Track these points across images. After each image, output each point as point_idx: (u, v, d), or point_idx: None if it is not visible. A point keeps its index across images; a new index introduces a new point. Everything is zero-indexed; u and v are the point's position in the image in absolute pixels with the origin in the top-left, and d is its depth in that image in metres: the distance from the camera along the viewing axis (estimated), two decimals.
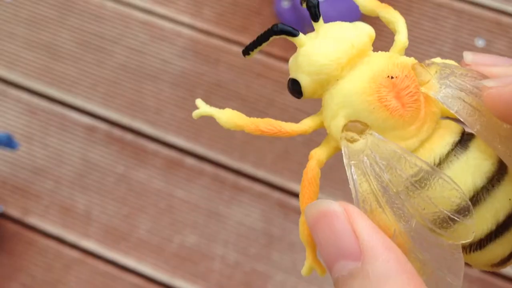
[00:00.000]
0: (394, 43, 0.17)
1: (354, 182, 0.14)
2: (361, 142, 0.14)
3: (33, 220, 0.65)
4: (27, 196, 0.66)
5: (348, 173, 0.15)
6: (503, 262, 0.15)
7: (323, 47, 0.15)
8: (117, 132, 0.68)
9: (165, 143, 0.66)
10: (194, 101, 0.67)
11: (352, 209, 0.13)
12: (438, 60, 0.16)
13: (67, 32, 0.72)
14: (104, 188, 0.66)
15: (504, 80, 0.13)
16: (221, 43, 0.70)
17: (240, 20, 0.71)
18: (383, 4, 0.17)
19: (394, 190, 0.14)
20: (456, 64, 0.15)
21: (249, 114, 0.17)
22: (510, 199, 0.14)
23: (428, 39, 0.69)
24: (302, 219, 0.15)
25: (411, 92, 0.14)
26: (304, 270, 0.16)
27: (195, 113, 0.17)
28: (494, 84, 0.13)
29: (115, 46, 0.71)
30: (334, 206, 0.13)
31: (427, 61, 0.15)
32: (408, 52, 0.17)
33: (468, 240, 0.14)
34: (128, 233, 0.64)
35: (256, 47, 0.17)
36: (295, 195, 0.64)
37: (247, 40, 0.72)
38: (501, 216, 0.14)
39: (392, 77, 0.14)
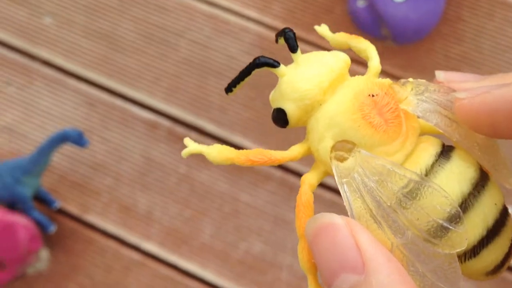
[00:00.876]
0: (368, 69, 0.17)
1: (348, 200, 0.15)
2: (350, 160, 0.15)
3: (92, 218, 0.64)
4: (86, 192, 0.65)
5: (341, 192, 0.15)
6: (497, 269, 0.15)
7: (305, 74, 0.16)
8: (179, 129, 0.66)
9: (231, 143, 0.64)
10: (261, 101, 0.64)
11: (354, 222, 0.14)
12: (410, 79, 0.17)
13: (129, 23, 0.69)
14: (166, 188, 0.64)
15: (474, 91, 0.14)
16: None
17: (310, 18, 0.68)
18: (353, 36, 0.18)
19: (388, 204, 0.14)
20: (427, 82, 0.16)
21: None
22: (495, 204, 0.15)
23: None
24: (300, 245, 0.16)
25: (391, 108, 0.15)
26: None
27: (184, 152, 0.18)
28: (464, 95, 0.14)
29: (179, 39, 0.68)
30: (336, 219, 0.14)
31: (401, 81, 0.16)
32: (492, 60, 0.16)
33: (463, 247, 0.14)
34: (191, 237, 0.63)
35: (238, 83, 0.18)
36: None
37: (317, 39, 0.69)
38: (490, 221, 0.15)
39: (373, 95, 0.15)
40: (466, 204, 0.15)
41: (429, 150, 0.15)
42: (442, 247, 0.14)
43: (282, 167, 0.63)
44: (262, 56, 0.17)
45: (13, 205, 0.59)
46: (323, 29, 0.19)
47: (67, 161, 0.65)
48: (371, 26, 0.65)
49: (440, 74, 0.16)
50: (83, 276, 0.62)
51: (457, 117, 0.15)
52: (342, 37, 0.18)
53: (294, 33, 0.17)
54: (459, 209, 0.14)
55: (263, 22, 0.69)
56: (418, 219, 0.14)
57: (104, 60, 0.68)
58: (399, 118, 0.15)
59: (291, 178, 0.63)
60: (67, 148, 0.65)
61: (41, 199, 0.62)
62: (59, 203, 0.63)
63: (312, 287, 0.16)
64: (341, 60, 0.17)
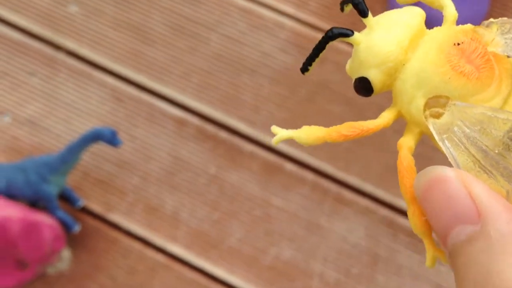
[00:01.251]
0: (445, 18, 0.17)
1: (453, 156, 0.14)
2: (447, 115, 0.14)
3: (116, 218, 0.62)
4: (110, 191, 0.62)
5: (444, 149, 0.15)
6: None
7: (382, 36, 0.16)
8: (210, 128, 0.64)
9: (263, 145, 0.62)
10: (296, 100, 0.61)
11: (465, 173, 0.13)
12: (493, 20, 0.16)
13: (159, 14, 0.67)
14: (194, 189, 0.62)
15: None
16: None
17: (348, 16, 0.66)
18: (415, 12, 0.17)
19: (496, 151, 0.14)
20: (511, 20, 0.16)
21: (355, 120, 0.17)
22: None
23: None
24: (410, 210, 0.15)
25: (480, 53, 0.15)
26: (428, 262, 0.15)
27: (275, 140, 0.17)
28: None
29: (211, 33, 0.66)
30: (447, 171, 0.13)
31: (485, 22, 0.16)
32: None
33: None
34: (219, 240, 0.60)
35: (314, 60, 0.17)
36: (404, 213, 0.60)
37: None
38: None
39: (458, 44, 0.15)
40: None
41: None
42: None
43: (315, 171, 0.61)
44: (335, 27, 0.16)
45: (35, 202, 0.57)
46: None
47: (92, 158, 0.63)
48: None
49: None
50: (105, 277, 0.60)
51: None
52: None
53: (362, 2, 0.16)
54: None
55: (299, 18, 0.66)
56: None
57: (133, 52, 0.66)
58: (490, 62, 0.15)
59: (324, 182, 0.61)
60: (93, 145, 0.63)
61: (65, 197, 0.60)
62: (82, 202, 0.61)
63: (429, 250, 0.15)
64: (417, 14, 0.16)
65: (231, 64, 0.65)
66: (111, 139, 0.53)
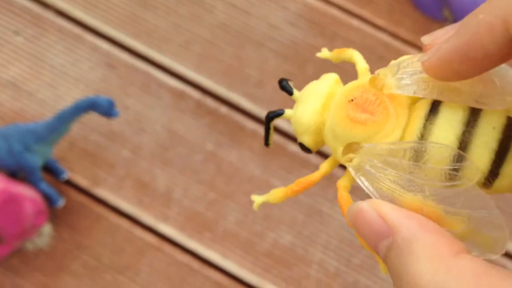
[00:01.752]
0: (358, 72, 0.20)
1: (368, 188, 0.18)
2: (357, 157, 0.18)
3: (103, 193, 0.57)
4: (98, 164, 0.58)
5: (361, 185, 0.18)
6: None
7: (301, 109, 0.19)
8: (209, 102, 0.60)
9: (263, 122, 0.58)
10: (303, 77, 0.58)
11: (375, 200, 0.17)
12: (392, 62, 0.19)
13: None
14: (190, 167, 0.58)
15: (431, 51, 0.17)
16: (340, 15, 0.61)
17: None
18: (341, 49, 0.21)
19: (405, 177, 0.17)
20: (400, 59, 0.19)
21: None
22: (494, 128, 0.17)
23: None
24: (356, 234, 0.18)
25: (372, 101, 0.18)
26: (382, 270, 0.18)
27: (255, 206, 0.21)
28: (426, 57, 0.17)
29: (216, 1, 0.62)
30: (361, 204, 0.17)
31: (376, 71, 0.19)
32: None
33: (478, 176, 0.17)
34: (213, 222, 0.57)
35: (268, 136, 0.21)
36: None
37: (370, 15, 0.64)
38: (493, 144, 0.17)
39: (352, 100, 0.18)
40: (464, 143, 0.17)
41: (419, 114, 0.18)
42: (462, 184, 0.17)
43: (319, 153, 0.58)
44: (270, 111, 0.20)
45: (17, 173, 0.53)
46: (323, 53, 0.22)
47: (79, 127, 0.58)
48: (431, 7, 0.59)
49: (425, 39, 0.18)
50: (89, 256, 0.56)
51: (429, 77, 0.18)
52: (336, 53, 0.21)
53: (286, 81, 0.20)
54: (457, 150, 0.17)
55: None
56: (426, 175, 0.17)
57: (131, 17, 0.62)
58: (382, 104, 0.18)
59: None
60: None
61: (48, 168, 0.55)
62: (67, 174, 0.57)
63: (379, 262, 0.18)
64: (328, 80, 0.20)
65: (236, 35, 0.61)
66: (108, 110, 0.48)
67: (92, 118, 0.58)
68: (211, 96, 0.60)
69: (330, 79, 0.20)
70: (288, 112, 0.20)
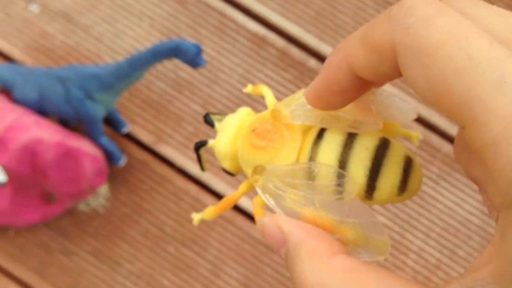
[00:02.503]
0: (267, 105, 0.23)
1: (272, 205, 0.21)
2: (261, 178, 0.21)
3: (168, 151, 0.50)
4: (163, 118, 0.51)
5: (266, 202, 0.21)
6: (403, 189, 0.20)
7: (219, 139, 0.23)
8: (295, 52, 0.52)
9: None
10: None
11: (274, 215, 0.20)
12: (289, 96, 0.22)
13: None
14: None
15: (310, 85, 0.20)
16: None
17: None
18: (255, 86, 0.25)
19: (299, 193, 0.20)
20: (294, 94, 0.22)
21: None
22: (366, 148, 0.20)
23: None
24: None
25: (269, 130, 0.21)
26: None
27: (195, 222, 0.24)
28: (306, 91, 0.20)
29: None
30: (264, 219, 0.20)
31: (276, 105, 0.22)
32: None
33: (356, 189, 0.20)
34: None
35: (201, 162, 0.24)
36: None
37: None
38: (367, 162, 0.20)
39: (254, 130, 0.22)
40: (343, 161, 0.20)
41: (310, 139, 0.21)
42: (345, 197, 0.20)
43: (421, 121, 0.50)
44: (197, 142, 0.24)
45: (73, 123, 0.46)
46: (248, 89, 0.25)
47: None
48: None
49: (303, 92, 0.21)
50: (149, 223, 0.49)
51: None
52: (253, 88, 0.24)
53: (209, 116, 0.24)
54: (338, 169, 0.20)
55: None
56: (321, 191, 0.20)
57: None
58: (279, 132, 0.21)
59: (435, 139, 0.50)
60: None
61: (107, 119, 0.48)
62: (128, 127, 0.50)
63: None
64: (240, 114, 0.23)
65: None
66: (194, 58, 0.40)
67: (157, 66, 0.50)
68: (298, 46, 0.51)
69: (243, 112, 0.23)
70: (211, 142, 0.23)
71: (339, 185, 0.20)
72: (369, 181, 0.20)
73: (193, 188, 0.50)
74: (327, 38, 0.52)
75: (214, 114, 0.24)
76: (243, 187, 0.22)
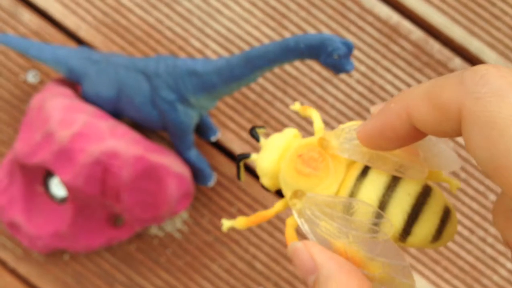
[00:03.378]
0: (314, 129, 0.24)
1: (306, 231, 0.21)
2: (300, 203, 0.21)
3: None
4: (261, 125, 0.41)
5: (301, 227, 0.21)
6: (437, 238, 0.21)
7: (262, 156, 0.23)
8: (435, 47, 0.41)
9: None
10: None
11: (308, 242, 0.20)
12: (340, 126, 0.23)
13: None
14: None
15: (362, 124, 0.20)
16: None
17: None
18: (304, 107, 0.25)
19: (335, 225, 0.21)
20: (353, 122, 0.22)
21: None
22: (409, 194, 0.21)
23: None
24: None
25: (316, 158, 0.22)
26: None
27: (224, 228, 0.24)
28: (359, 129, 0.21)
29: None
30: (297, 244, 0.20)
31: (325, 134, 0.22)
32: None
33: (392, 232, 0.20)
34: None
35: (239, 172, 0.24)
36: None
37: None
38: (407, 207, 0.21)
39: (300, 155, 0.22)
40: (383, 203, 0.21)
41: (353, 174, 0.21)
42: (380, 237, 0.20)
43: None
44: (239, 154, 0.24)
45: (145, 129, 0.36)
46: (295, 107, 0.25)
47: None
48: None
49: (372, 109, 0.22)
50: (236, 258, 0.40)
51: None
52: (302, 109, 0.25)
53: (255, 129, 0.24)
54: (377, 209, 0.21)
55: None
56: (352, 226, 0.21)
57: None
58: (325, 161, 0.22)
59: None
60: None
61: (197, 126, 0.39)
62: (218, 134, 0.40)
63: None
64: (287, 135, 0.23)
65: None
66: (341, 61, 0.29)
67: None
68: (439, 39, 0.41)
69: (289, 133, 0.23)
70: (253, 156, 0.24)
71: (375, 224, 0.20)
72: (406, 226, 0.21)
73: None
74: (479, 31, 0.41)
75: (260, 127, 0.24)
76: (278, 206, 0.23)
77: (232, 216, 0.40)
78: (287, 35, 0.41)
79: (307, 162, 0.21)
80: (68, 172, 0.32)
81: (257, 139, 0.24)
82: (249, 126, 0.41)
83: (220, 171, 0.40)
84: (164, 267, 0.40)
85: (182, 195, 0.35)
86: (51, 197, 0.36)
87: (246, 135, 0.41)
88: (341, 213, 0.21)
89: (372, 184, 0.21)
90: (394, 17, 0.41)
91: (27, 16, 0.41)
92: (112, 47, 0.41)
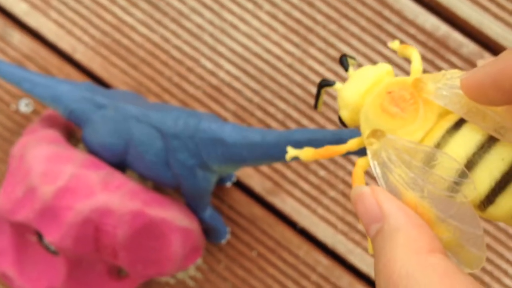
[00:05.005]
0: (411, 70, 0.23)
1: (378, 175, 0.20)
2: (377, 144, 0.20)
3: (289, 206, 0.37)
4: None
5: (373, 169, 0.20)
6: None
7: (348, 86, 0.22)
8: None
9: None
10: None
11: (377, 188, 0.19)
12: (442, 71, 0.21)
13: None
14: None
15: (471, 72, 0.19)
16: None
17: None
18: (403, 45, 0.23)
19: (410, 175, 0.19)
20: (456, 70, 0.21)
21: None
22: (503, 159, 0.19)
23: None
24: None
25: (406, 99, 0.20)
26: (369, 249, 0.20)
27: (288, 157, 0.23)
28: (466, 75, 0.19)
29: None
30: (364, 188, 0.19)
31: (423, 76, 0.21)
32: None
33: (473, 196, 0.19)
34: None
35: (317, 101, 0.23)
36: None
37: None
38: (496, 174, 0.19)
39: (390, 92, 0.20)
40: (471, 162, 0.19)
41: (444, 125, 0.20)
42: (458, 198, 0.19)
43: None
44: (323, 80, 0.23)
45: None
46: (394, 45, 0.24)
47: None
48: None
49: (479, 62, 0.20)
50: None
51: (464, 94, 0.19)
52: (401, 48, 0.23)
53: (345, 58, 0.23)
54: (463, 167, 0.19)
55: None
56: (435, 182, 0.19)
57: None
58: (414, 105, 0.20)
59: None
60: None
61: None
62: (235, 177, 0.36)
63: (369, 241, 0.20)
64: (379, 69, 0.22)
65: None
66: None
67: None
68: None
69: (382, 68, 0.22)
70: (338, 85, 0.22)
71: (457, 183, 0.19)
72: (490, 193, 0.19)
73: (324, 261, 0.36)
74: None
75: (351, 57, 0.23)
76: (352, 143, 0.22)
77: (251, 261, 0.36)
78: (312, 52, 0.37)
79: (396, 100, 0.20)
80: (54, 232, 0.29)
81: (346, 68, 0.23)
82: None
83: (238, 211, 0.37)
84: None
85: (189, 250, 0.31)
86: (45, 247, 0.33)
87: (267, 169, 0.37)
88: (420, 163, 0.20)
89: (464, 140, 0.19)
90: (442, 28, 0.36)
91: (17, 37, 0.38)
92: (112, 70, 0.37)
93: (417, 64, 0.22)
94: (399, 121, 0.20)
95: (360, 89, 0.21)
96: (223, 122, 0.29)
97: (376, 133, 0.20)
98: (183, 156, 0.29)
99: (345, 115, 0.22)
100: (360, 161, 0.21)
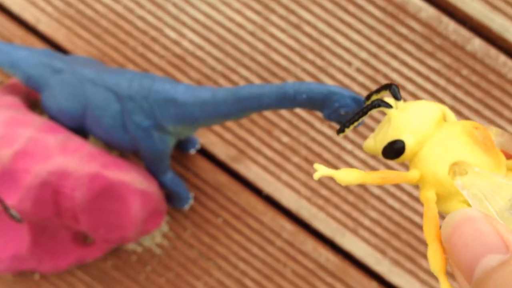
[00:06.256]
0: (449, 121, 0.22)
1: (475, 204, 0.20)
2: (469, 175, 0.20)
3: (253, 172, 0.38)
4: (248, 126, 0.38)
5: (467, 198, 0.20)
6: None
7: (420, 110, 0.21)
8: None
9: None
10: None
11: (494, 219, 0.18)
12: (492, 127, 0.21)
13: None
14: None
15: None
16: None
17: None
18: (439, 105, 0.22)
19: (502, 204, 0.19)
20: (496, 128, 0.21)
21: None
22: None
23: None
24: (430, 249, 0.19)
25: (490, 139, 0.21)
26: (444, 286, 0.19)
27: (316, 175, 0.21)
28: None
29: None
30: (474, 212, 0.18)
31: (491, 127, 0.21)
32: None
33: None
34: None
35: (353, 123, 0.22)
36: None
37: None
38: None
39: (476, 128, 0.21)
40: None
41: None
42: None
43: None
44: (380, 99, 0.21)
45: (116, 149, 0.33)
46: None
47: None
48: None
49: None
50: (224, 275, 0.38)
51: None
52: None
53: (398, 88, 0.22)
54: None
55: None
56: None
57: None
58: (496, 148, 0.21)
59: None
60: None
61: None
62: (198, 144, 0.38)
63: (444, 285, 0.19)
64: (441, 108, 0.22)
65: None
66: (343, 115, 0.26)
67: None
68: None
69: (441, 107, 0.22)
70: (394, 111, 0.21)
71: None
72: None
73: (288, 226, 0.37)
74: (502, 5, 0.36)
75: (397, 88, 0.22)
76: (413, 174, 0.21)
77: (217, 228, 0.38)
78: (274, 19, 0.38)
79: (483, 139, 0.20)
80: (13, 195, 0.30)
81: (398, 97, 0.22)
82: (234, 127, 0.38)
83: (202, 178, 0.38)
84: (143, 286, 0.38)
85: (150, 213, 0.33)
86: (10, 216, 0.35)
87: (231, 136, 0.38)
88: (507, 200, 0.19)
89: None
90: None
91: None
92: (76, 40, 0.38)
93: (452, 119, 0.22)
94: (488, 158, 0.20)
95: (434, 117, 0.21)
96: (177, 83, 0.30)
97: (462, 165, 0.20)
98: (138, 117, 0.30)
99: (410, 141, 0.21)
100: (426, 196, 0.21)
